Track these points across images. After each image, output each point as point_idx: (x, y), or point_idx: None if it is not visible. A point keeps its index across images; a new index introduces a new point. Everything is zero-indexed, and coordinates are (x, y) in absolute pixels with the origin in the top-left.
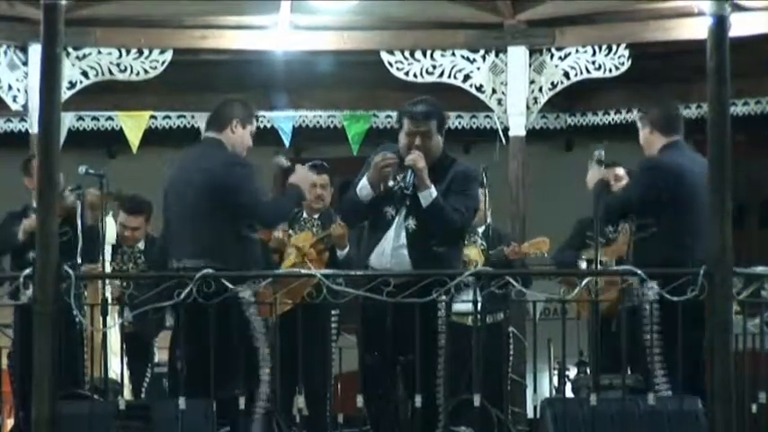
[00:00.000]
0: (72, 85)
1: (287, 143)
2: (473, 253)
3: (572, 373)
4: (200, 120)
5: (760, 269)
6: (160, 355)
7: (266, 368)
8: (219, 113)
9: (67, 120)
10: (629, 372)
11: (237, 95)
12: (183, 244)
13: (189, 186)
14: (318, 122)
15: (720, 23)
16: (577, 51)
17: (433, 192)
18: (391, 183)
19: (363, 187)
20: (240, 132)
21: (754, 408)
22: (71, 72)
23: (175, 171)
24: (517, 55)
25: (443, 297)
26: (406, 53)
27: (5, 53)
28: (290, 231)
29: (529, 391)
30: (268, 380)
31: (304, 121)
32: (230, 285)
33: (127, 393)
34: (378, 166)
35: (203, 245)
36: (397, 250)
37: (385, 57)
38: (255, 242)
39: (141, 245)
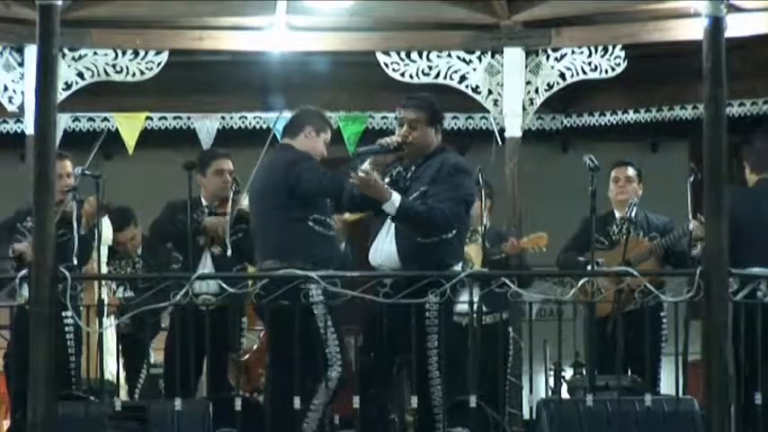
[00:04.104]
0: (68, 86)
1: None
2: (473, 252)
3: (568, 373)
4: (195, 121)
5: (756, 270)
6: (156, 355)
7: (336, 367)
8: (294, 120)
9: (63, 121)
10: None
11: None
12: (259, 246)
13: (260, 190)
14: None
15: (716, 24)
16: (573, 52)
17: (395, 200)
18: (387, 179)
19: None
20: (314, 139)
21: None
22: (67, 73)
23: (253, 179)
24: (513, 56)
25: (433, 298)
26: (402, 54)
27: (1, 54)
28: None
29: (525, 392)
30: (336, 377)
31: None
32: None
33: (123, 394)
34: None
35: (272, 245)
36: (387, 244)
37: (381, 58)
38: (329, 239)
39: (139, 250)
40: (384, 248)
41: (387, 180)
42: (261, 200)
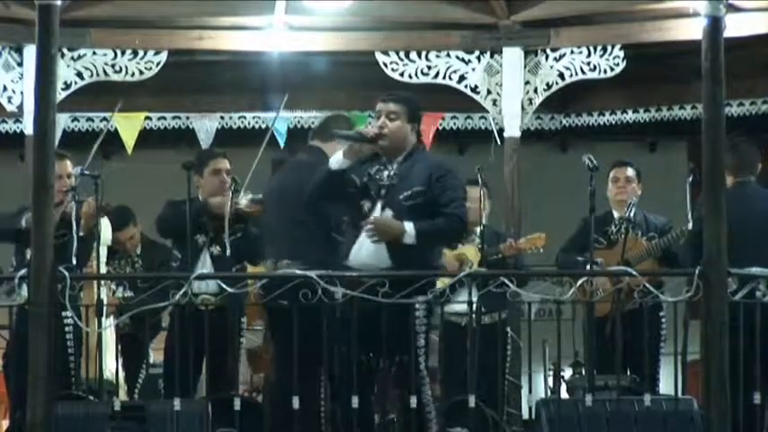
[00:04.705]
0: (67, 85)
1: (282, 144)
2: (470, 252)
3: (567, 373)
4: (194, 121)
5: (755, 270)
6: (155, 355)
7: None
8: (329, 125)
9: (62, 121)
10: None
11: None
12: (275, 244)
13: (287, 191)
14: (314, 123)
15: (715, 24)
16: (572, 52)
17: (410, 228)
18: (365, 179)
19: (337, 159)
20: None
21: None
22: (66, 73)
23: (277, 177)
24: (512, 56)
25: (421, 297)
26: (401, 54)
27: (0, 54)
28: None
29: (524, 392)
30: None
31: (299, 122)
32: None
33: (122, 394)
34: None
35: (292, 245)
36: (374, 244)
37: (380, 57)
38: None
39: (138, 249)
40: (372, 247)
41: (365, 179)
42: (285, 198)
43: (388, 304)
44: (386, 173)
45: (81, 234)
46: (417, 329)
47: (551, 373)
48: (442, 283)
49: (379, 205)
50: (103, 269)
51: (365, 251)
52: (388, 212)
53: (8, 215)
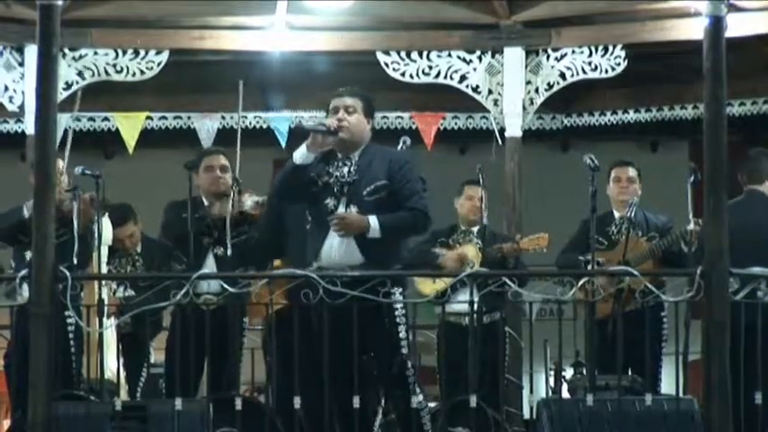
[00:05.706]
0: (68, 85)
1: (283, 144)
2: (471, 252)
3: (568, 373)
4: (196, 121)
5: (756, 270)
6: (156, 355)
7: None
8: None
9: (63, 120)
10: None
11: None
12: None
13: None
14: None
15: (717, 24)
16: (574, 52)
17: (374, 222)
18: (326, 178)
19: (301, 153)
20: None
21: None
22: (67, 73)
23: None
24: (513, 56)
25: (398, 291)
26: (402, 54)
27: (1, 54)
28: None
29: (525, 392)
30: None
31: (300, 122)
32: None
33: (123, 394)
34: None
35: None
36: (344, 241)
37: (381, 57)
38: None
39: (138, 248)
40: (343, 245)
41: (325, 179)
42: None
43: (364, 301)
44: (346, 169)
45: (80, 232)
46: (398, 320)
47: (552, 372)
48: (443, 282)
49: (342, 202)
50: (104, 269)
51: (336, 250)
52: (353, 209)
53: (5, 212)
